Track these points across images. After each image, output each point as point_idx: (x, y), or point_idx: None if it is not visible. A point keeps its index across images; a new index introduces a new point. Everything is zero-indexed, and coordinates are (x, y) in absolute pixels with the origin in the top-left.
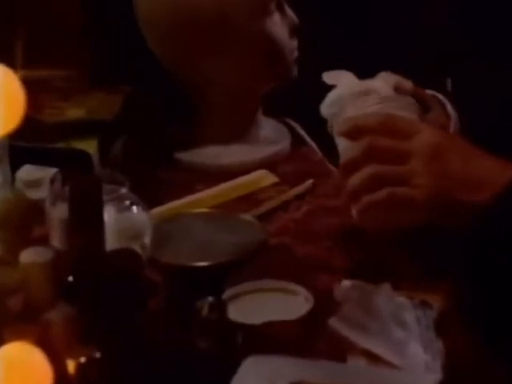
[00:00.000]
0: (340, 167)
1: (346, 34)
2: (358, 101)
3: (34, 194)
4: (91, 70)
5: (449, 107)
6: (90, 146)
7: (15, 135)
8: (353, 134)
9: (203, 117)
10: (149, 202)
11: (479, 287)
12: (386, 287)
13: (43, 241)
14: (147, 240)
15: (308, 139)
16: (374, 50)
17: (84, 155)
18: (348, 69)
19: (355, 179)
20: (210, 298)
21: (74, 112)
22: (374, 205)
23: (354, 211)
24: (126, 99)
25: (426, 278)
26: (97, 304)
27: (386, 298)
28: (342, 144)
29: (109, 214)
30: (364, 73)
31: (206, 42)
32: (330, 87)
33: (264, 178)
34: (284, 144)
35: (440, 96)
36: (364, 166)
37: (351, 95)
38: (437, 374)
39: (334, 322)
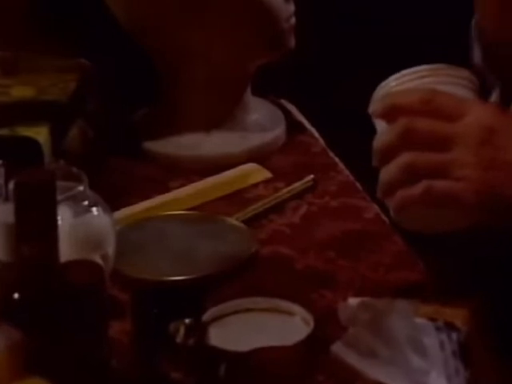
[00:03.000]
0: (373, 154)
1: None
2: (403, 74)
3: None
4: (42, 40)
5: None
6: (40, 133)
7: None
8: (389, 113)
9: (179, 97)
10: (112, 203)
11: None
12: (402, 306)
13: None
14: (110, 249)
15: (307, 125)
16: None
17: (32, 144)
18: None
19: (389, 170)
20: (187, 320)
21: (21, 91)
22: (410, 201)
23: (390, 209)
24: (82, 76)
25: (454, 293)
26: (48, 327)
27: (402, 319)
28: (380, 126)
29: (63, 218)
30: (368, 47)
31: (183, 4)
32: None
33: (253, 173)
34: (278, 131)
35: None
36: (399, 154)
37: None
38: None
39: (338, 348)
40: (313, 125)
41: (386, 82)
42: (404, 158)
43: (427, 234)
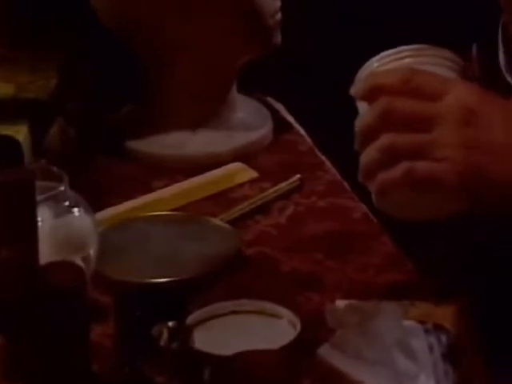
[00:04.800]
0: (355, 137)
1: None
2: (385, 54)
3: None
4: (23, 37)
5: None
6: (20, 132)
7: None
8: (369, 94)
9: (163, 96)
10: (94, 203)
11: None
12: (391, 308)
13: None
14: (92, 251)
15: (294, 124)
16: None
17: (12, 143)
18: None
19: (369, 152)
20: (171, 323)
21: (0, 88)
22: (391, 184)
23: (372, 193)
24: (63, 74)
25: (443, 295)
26: (28, 330)
27: (391, 322)
28: (362, 109)
29: (43, 218)
30: (362, 37)
31: (167, 0)
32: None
33: (239, 172)
34: (264, 130)
35: None
36: (379, 135)
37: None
38: None
39: (325, 351)
40: (300, 124)
41: (368, 63)
42: (383, 140)
43: (409, 221)
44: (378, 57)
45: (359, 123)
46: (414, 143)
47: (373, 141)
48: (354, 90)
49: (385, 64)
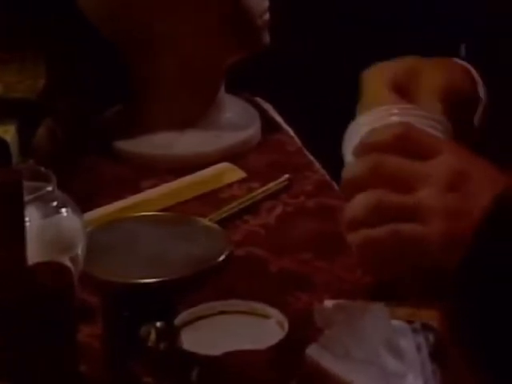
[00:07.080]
0: (341, 186)
1: None
2: (372, 115)
3: None
4: (10, 37)
5: (474, 73)
6: (8, 132)
7: None
8: (362, 152)
9: (151, 96)
10: (82, 204)
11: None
12: (379, 308)
13: None
14: (80, 251)
15: (283, 124)
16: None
17: None
18: (334, 36)
19: (354, 207)
20: (159, 324)
21: None
22: (375, 241)
23: (352, 246)
24: (51, 73)
25: (431, 295)
26: (15, 332)
27: (378, 321)
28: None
29: (31, 219)
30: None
31: None
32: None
33: (227, 172)
34: (253, 130)
35: (463, 62)
36: (367, 189)
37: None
38: None
39: (313, 351)
40: (289, 124)
41: (355, 122)
42: (370, 198)
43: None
44: (364, 116)
45: (348, 172)
46: (400, 205)
47: (359, 192)
48: (345, 149)
49: (371, 122)
